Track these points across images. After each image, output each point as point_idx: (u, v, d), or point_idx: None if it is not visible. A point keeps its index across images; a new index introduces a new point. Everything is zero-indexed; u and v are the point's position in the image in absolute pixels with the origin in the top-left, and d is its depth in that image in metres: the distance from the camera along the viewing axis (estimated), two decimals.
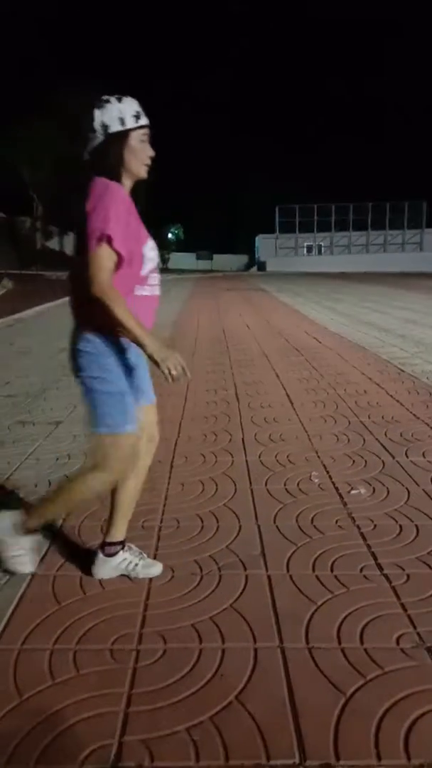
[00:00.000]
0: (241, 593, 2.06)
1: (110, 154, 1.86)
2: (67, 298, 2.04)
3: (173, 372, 1.83)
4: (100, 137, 1.85)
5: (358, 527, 2.54)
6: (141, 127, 1.88)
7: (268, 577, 2.17)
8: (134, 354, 1.98)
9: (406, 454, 3.45)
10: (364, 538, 2.44)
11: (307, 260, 56.42)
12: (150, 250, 1.97)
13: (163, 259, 57.92)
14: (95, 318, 1.85)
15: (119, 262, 1.82)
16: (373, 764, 1.34)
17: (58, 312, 13.80)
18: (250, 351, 7.54)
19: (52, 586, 2.13)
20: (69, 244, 47.12)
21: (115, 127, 1.84)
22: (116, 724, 1.48)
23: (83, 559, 2.30)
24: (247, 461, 3.41)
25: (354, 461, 3.37)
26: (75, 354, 1.97)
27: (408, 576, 2.13)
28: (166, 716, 1.51)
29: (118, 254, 1.80)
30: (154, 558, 2.31)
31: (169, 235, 59.53)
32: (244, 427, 4.11)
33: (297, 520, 2.62)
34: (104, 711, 1.53)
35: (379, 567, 2.21)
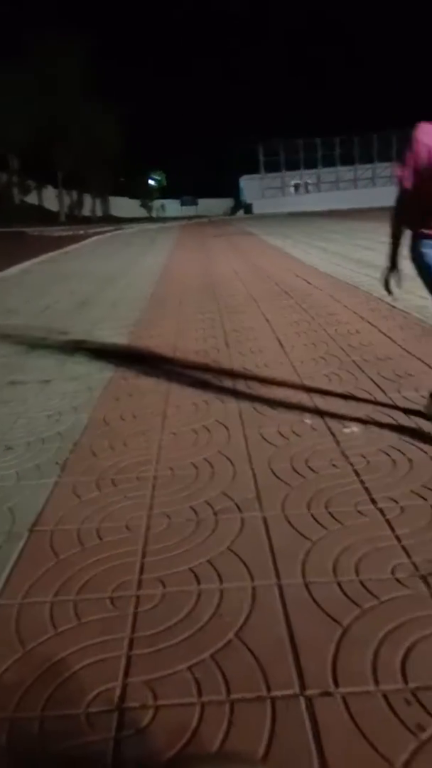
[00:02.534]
0: (238, 535, 2.08)
1: None
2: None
3: None
4: None
5: (352, 465, 2.55)
6: None
7: (264, 518, 2.18)
8: None
9: (398, 390, 3.45)
10: (357, 475, 2.45)
11: (295, 199, 55.19)
12: None
13: (147, 208, 56.60)
14: None
15: None
16: (371, 690, 1.38)
17: (42, 269, 13.55)
18: (240, 297, 7.44)
19: (50, 541, 2.15)
20: (48, 198, 45.71)
21: None
22: (119, 667, 1.52)
23: (79, 512, 2.32)
24: (239, 407, 3.41)
25: (347, 400, 3.36)
26: None
27: (402, 508, 2.15)
28: (167, 657, 1.54)
29: None
30: (150, 508, 2.33)
31: (151, 182, 57.95)
32: (235, 374, 4.08)
33: (291, 462, 2.63)
34: (107, 656, 1.56)
35: (374, 501, 2.22)
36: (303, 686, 1.40)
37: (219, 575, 1.86)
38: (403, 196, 2.49)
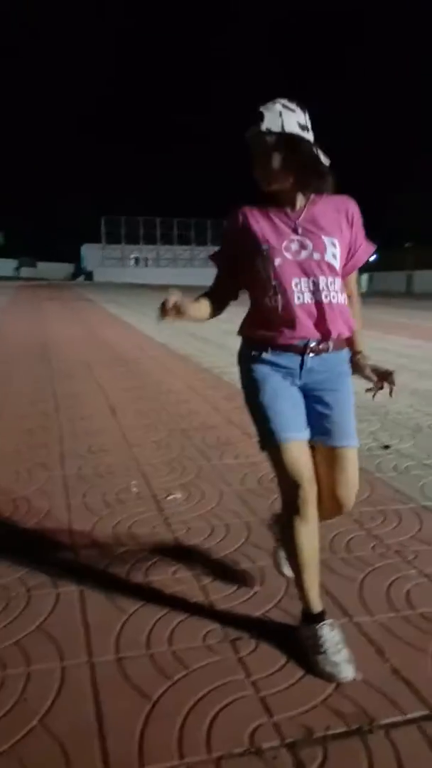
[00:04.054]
0: (51, 612, 1.98)
1: None
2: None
3: None
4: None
5: (173, 531, 2.59)
6: None
7: (81, 592, 2.11)
8: None
9: (220, 457, 3.61)
10: (178, 542, 2.49)
11: (135, 272, 56.79)
12: None
13: None
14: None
15: None
16: (175, 764, 1.36)
17: None
18: (73, 362, 7.36)
19: None
20: None
21: None
22: None
23: None
24: (64, 475, 3.31)
25: (173, 467, 3.44)
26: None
27: (216, 574, 2.22)
28: None
29: None
30: None
31: None
32: (63, 440, 3.98)
33: (114, 531, 2.60)
34: None
35: (191, 568, 2.27)
36: None
37: (27, 657, 1.74)
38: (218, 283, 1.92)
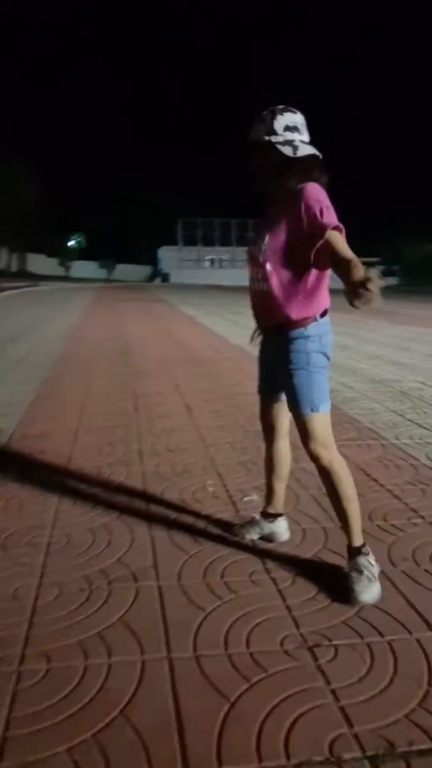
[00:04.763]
0: (131, 606, 2.03)
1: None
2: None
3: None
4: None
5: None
6: None
7: (159, 587, 2.15)
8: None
9: (296, 460, 3.57)
10: (254, 544, 2.49)
11: (210, 273, 57.37)
12: None
13: (64, 267, 56.66)
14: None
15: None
16: (254, 767, 1.36)
17: None
18: (151, 362, 7.52)
19: None
20: None
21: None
22: None
23: None
24: (143, 472, 3.39)
25: (248, 469, 3.44)
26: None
27: (293, 578, 2.20)
28: (46, 738, 1.45)
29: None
30: (41, 576, 2.23)
31: (71, 243, 58.25)
32: (142, 438, 4.08)
33: (190, 529, 2.63)
34: None
35: (267, 571, 2.26)
36: (186, 765, 1.36)
37: (108, 649, 1.80)
38: None
